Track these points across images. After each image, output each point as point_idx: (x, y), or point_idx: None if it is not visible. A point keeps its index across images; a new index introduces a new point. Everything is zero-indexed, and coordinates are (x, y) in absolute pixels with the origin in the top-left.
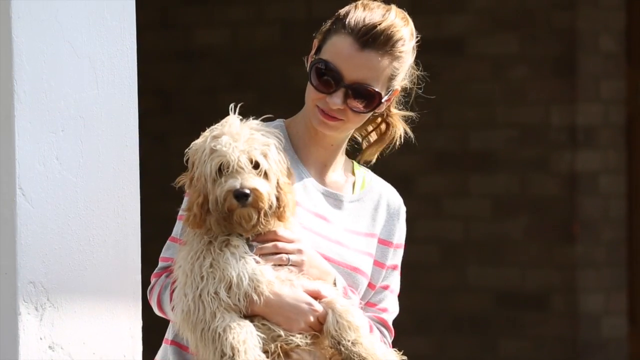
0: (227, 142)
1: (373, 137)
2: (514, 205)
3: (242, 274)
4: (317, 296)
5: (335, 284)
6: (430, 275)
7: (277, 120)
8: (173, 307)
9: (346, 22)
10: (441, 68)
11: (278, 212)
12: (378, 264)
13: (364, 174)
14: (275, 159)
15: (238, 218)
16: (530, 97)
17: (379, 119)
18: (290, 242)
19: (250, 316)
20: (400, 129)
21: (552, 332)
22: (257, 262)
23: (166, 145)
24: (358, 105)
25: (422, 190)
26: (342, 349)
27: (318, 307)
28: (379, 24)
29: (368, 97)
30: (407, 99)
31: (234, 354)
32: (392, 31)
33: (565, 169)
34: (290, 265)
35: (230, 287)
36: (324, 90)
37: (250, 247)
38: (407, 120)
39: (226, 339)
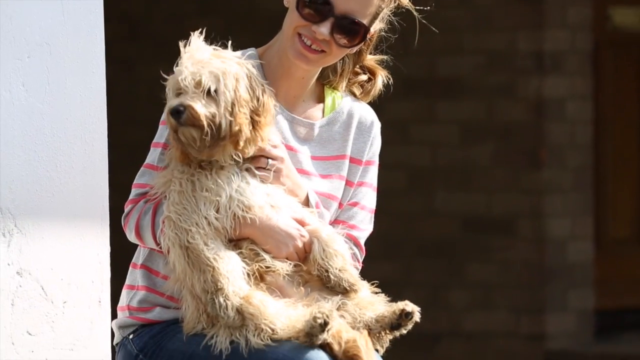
0: (181, 66)
1: (357, 90)
2: (481, 131)
3: (232, 195)
4: (301, 224)
5: (308, 199)
6: (397, 201)
7: (250, 49)
8: (162, 229)
9: None
10: None
11: (233, 140)
12: (347, 183)
13: (333, 96)
14: (231, 87)
15: (184, 138)
16: (497, 23)
17: (359, 70)
18: (275, 147)
19: (238, 240)
20: (381, 77)
21: (519, 257)
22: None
23: (132, 72)
24: (343, 39)
25: (390, 116)
26: (331, 276)
27: (305, 233)
28: None
29: (354, 32)
30: (381, 43)
31: (221, 284)
32: None
33: (532, 95)
34: (268, 169)
35: (219, 209)
36: (310, 19)
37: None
38: (382, 63)
39: (214, 268)
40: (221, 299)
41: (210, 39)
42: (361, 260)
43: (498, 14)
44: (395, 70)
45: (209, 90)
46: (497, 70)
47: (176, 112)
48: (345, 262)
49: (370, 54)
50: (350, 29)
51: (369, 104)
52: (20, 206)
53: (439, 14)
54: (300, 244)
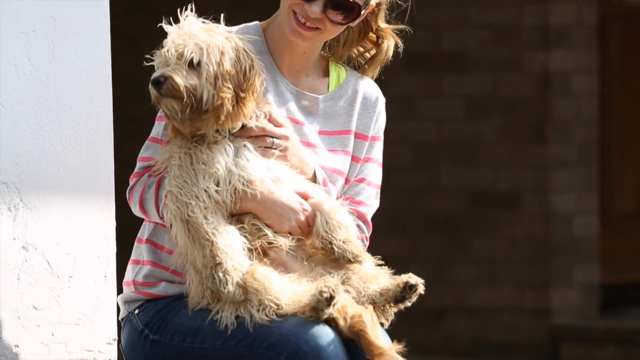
0: (168, 38)
1: (370, 54)
2: (487, 106)
3: (232, 169)
4: (304, 197)
5: (315, 176)
6: (402, 176)
7: (254, 22)
8: (165, 203)
9: None
10: None
11: (215, 114)
12: (353, 159)
13: (338, 70)
14: (214, 60)
15: (166, 110)
16: None
17: (373, 36)
18: (280, 126)
19: (240, 215)
20: (391, 42)
21: (524, 232)
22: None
23: (137, 45)
24: (337, 16)
25: (395, 91)
26: (335, 248)
27: (307, 207)
28: None
29: (347, 9)
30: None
31: (219, 259)
32: None
33: (538, 68)
34: (274, 149)
35: (218, 182)
36: None
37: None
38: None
39: (212, 242)
40: (220, 274)
41: (198, 12)
42: (368, 236)
43: None
44: (402, 45)
45: (191, 62)
46: (502, 44)
47: (156, 83)
48: (349, 233)
49: (389, 22)
50: (343, 7)
51: (376, 79)
52: (26, 181)
53: None
54: (302, 218)
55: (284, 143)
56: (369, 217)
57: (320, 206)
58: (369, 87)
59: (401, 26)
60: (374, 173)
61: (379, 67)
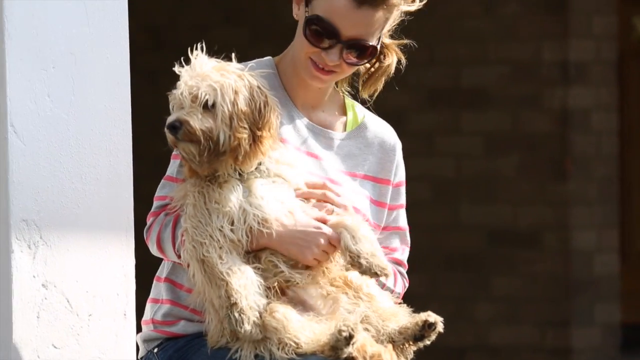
0: (180, 79)
1: (374, 68)
2: (506, 142)
3: (246, 208)
4: (322, 221)
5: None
6: (422, 213)
7: (267, 58)
8: (183, 241)
9: None
10: (433, 4)
11: (233, 154)
12: (379, 204)
13: (355, 111)
14: (229, 101)
15: (184, 153)
16: (522, 33)
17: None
18: (338, 195)
19: (257, 251)
20: (394, 58)
21: (545, 270)
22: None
23: (157, 82)
24: (353, 58)
25: (414, 127)
26: (363, 261)
27: (326, 229)
28: None
29: (362, 52)
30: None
31: (234, 299)
32: None
33: (557, 105)
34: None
35: (233, 222)
36: (319, 46)
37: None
38: (401, 49)
39: (227, 283)
40: (236, 314)
41: (220, 49)
42: (407, 277)
43: (523, 24)
44: (421, 81)
45: (206, 104)
46: (521, 80)
47: (172, 128)
48: (373, 247)
49: (392, 37)
50: (359, 51)
51: (394, 115)
52: (45, 218)
53: (463, 24)
54: (322, 241)
55: (342, 212)
56: (405, 261)
57: (342, 223)
58: (386, 132)
59: (405, 41)
60: (403, 217)
61: (380, 83)
